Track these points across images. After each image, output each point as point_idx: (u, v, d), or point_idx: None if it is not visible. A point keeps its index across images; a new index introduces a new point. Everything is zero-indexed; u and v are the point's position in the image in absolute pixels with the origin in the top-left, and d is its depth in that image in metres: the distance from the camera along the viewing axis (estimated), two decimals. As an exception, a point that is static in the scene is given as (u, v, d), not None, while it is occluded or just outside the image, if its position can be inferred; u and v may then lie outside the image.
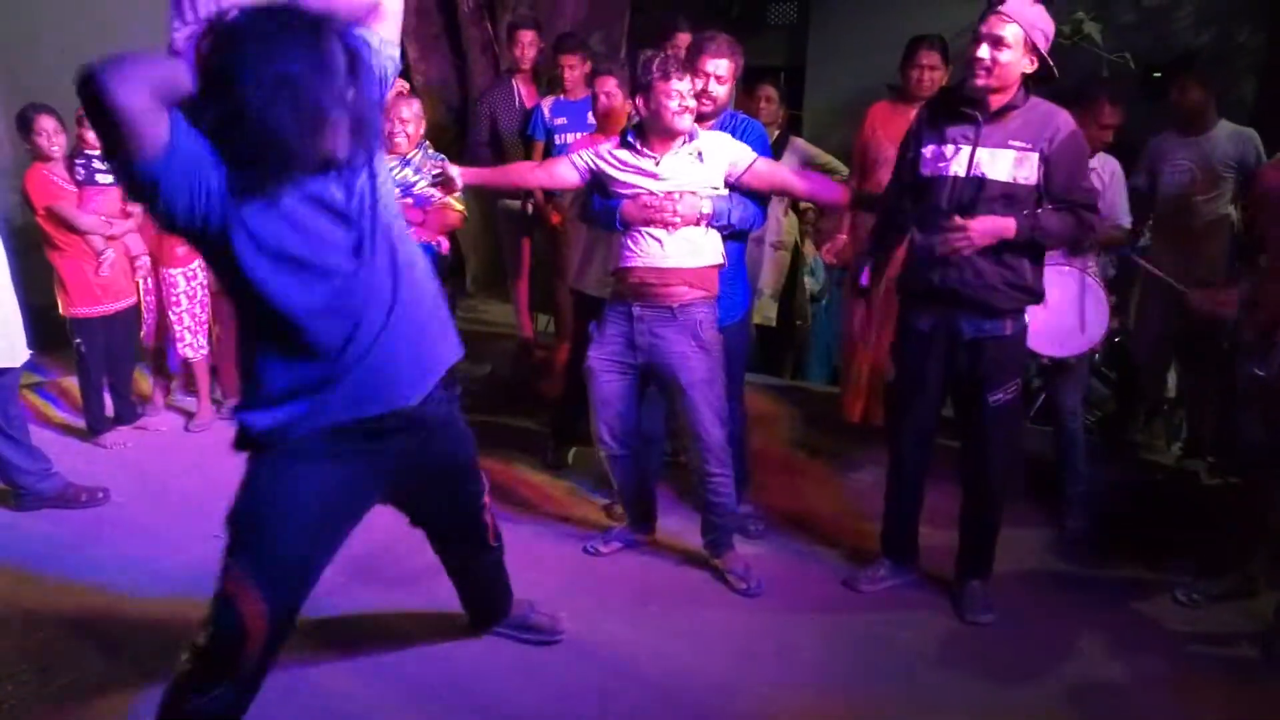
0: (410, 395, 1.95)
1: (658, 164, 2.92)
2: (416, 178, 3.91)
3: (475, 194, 5.98)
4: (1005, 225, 2.67)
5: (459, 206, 3.96)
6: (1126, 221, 3.53)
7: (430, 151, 4.00)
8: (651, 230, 2.91)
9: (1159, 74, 4.60)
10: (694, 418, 2.97)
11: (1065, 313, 3.30)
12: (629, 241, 2.95)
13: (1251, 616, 2.95)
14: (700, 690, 2.55)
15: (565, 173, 3.10)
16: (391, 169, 3.86)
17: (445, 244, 4.02)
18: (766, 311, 4.79)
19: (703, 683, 2.58)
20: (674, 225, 2.89)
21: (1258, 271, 3.13)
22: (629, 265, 2.95)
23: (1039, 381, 3.62)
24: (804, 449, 4.36)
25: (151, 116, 1.56)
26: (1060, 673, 2.71)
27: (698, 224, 2.92)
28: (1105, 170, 3.47)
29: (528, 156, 4.66)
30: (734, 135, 3.09)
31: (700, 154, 2.94)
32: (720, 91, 3.11)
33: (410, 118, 3.86)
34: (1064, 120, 2.73)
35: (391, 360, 1.89)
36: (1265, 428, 2.87)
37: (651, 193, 2.91)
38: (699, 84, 3.00)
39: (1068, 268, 3.34)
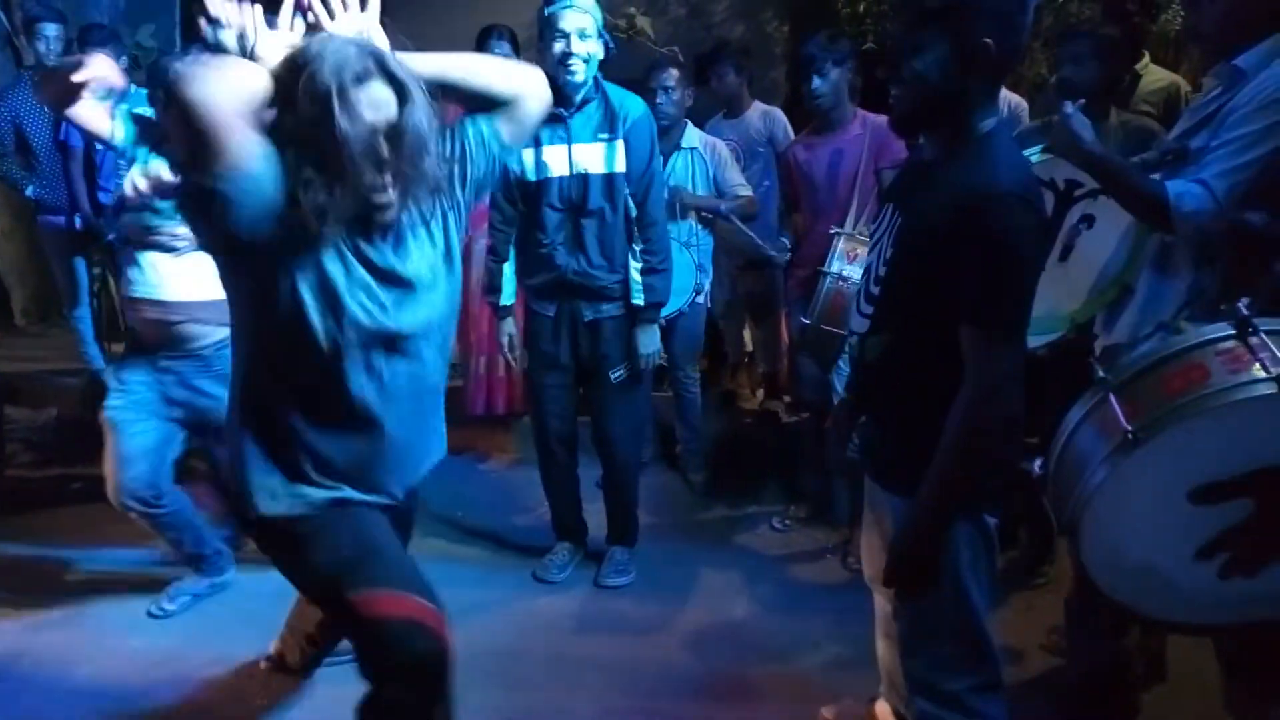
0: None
1: None
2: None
3: (14, 211, 5.14)
4: None
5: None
6: (746, 191, 3.76)
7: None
8: None
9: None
10: None
11: None
12: None
13: (833, 531, 3.41)
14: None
15: None
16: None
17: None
18: None
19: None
20: None
21: (795, 234, 3.61)
22: None
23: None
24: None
25: (237, 127, 1.43)
26: (688, 617, 2.94)
27: None
28: (708, 149, 3.75)
29: (65, 165, 4.11)
30: None
31: None
32: None
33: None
34: (634, 104, 2.91)
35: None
36: (818, 366, 3.33)
37: None
38: None
39: None
